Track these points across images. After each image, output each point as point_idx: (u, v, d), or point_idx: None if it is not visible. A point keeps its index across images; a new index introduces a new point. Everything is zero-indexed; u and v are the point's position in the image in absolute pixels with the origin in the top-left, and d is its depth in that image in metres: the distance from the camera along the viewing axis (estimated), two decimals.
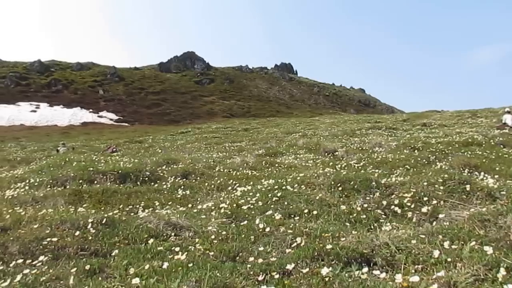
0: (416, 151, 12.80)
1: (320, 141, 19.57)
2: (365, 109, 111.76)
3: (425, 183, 6.46)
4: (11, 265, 4.11)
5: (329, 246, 3.78)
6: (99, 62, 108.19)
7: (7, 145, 35.16)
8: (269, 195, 6.55)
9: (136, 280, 3.39)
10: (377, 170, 8.88)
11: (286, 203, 6.08)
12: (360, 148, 15.19)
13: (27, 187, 9.33)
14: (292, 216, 5.49)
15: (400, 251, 3.74)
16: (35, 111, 70.73)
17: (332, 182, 7.09)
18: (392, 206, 5.66)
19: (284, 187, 6.84)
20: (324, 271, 3.29)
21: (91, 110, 75.28)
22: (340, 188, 6.79)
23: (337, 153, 14.47)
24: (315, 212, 5.50)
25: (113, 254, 4.32)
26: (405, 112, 63.48)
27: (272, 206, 6.02)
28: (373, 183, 6.77)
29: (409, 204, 5.68)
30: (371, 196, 6.34)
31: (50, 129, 57.44)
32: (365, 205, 5.81)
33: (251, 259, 3.84)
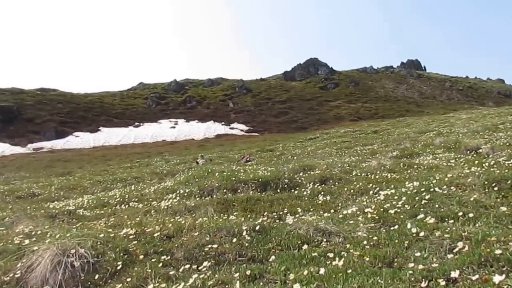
0: None
1: (459, 138, 18.22)
2: (506, 101, 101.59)
3: None
4: (180, 270, 4.51)
5: (498, 251, 3.50)
6: (227, 77, 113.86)
7: (153, 159, 38.53)
8: (416, 198, 6.28)
9: (297, 286, 3.48)
10: None
11: (436, 206, 5.77)
12: (507, 144, 13.86)
13: (178, 197, 10.12)
14: (445, 219, 5.18)
15: None
16: (174, 127, 76.73)
17: (485, 182, 6.58)
18: None
19: (431, 189, 6.51)
20: (497, 278, 3.05)
21: (223, 122, 79.44)
22: (495, 188, 6.26)
23: (480, 150, 13.34)
24: (471, 215, 5.12)
25: (270, 260, 4.49)
26: None
27: (421, 209, 5.75)
28: None
29: None
30: None
31: (188, 143, 61.68)
32: None
33: (411, 265, 3.71)
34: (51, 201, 15.22)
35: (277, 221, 6.54)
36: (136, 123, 78.84)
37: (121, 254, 4.94)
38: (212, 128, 75.41)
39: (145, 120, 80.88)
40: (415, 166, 11.47)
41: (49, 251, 4.63)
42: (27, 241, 5.51)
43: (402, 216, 5.63)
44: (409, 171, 10.95)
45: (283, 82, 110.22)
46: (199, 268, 4.52)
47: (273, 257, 4.53)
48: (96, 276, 4.53)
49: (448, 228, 4.58)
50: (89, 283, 4.50)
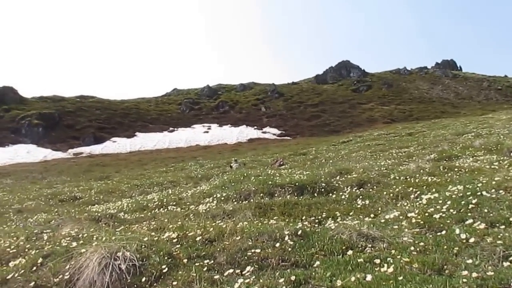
0: None
1: (501, 140, 17.62)
2: None
3: None
4: (224, 274, 4.51)
5: None
6: (259, 81, 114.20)
7: (188, 164, 38.93)
8: (462, 202, 6.08)
9: None
10: None
11: (485, 210, 5.57)
12: None
13: (215, 201, 10.17)
14: (496, 225, 4.98)
15: None
16: (207, 132, 77.41)
17: None
18: None
19: (478, 193, 6.30)
20: None
21: (255, 127, 79.60)
22: None
23: None
24: None
25: (314, 265, 4.42)
26: None
27: (468, 214, 5.56)
28: None
29: None
30: None
31: (221, 147, 62.06)
32: None
33: (464, 272, 3.59)
34: (91, 204, 15.63)
35: (317, 225, 6.47)
36: (171, 128, 79.99)
37: (165, 258, 4.98)
38: (245, 133, 75.64)
39: (179, 125, 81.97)
40: (456, 169, 11.15)
41: (97, 253, 4.72)
42: (74, 244, 5.64)
43: (448, 221, 5.45)
44: (449, 174, 10.66)
45: (315, 86, 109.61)
46: (243, 272, 4.51)
47: (317, 262, 4.45)
48: (143, 279, 4.58)
49: (500, 234, 4.41)
50: (135, 286, 4.56)
